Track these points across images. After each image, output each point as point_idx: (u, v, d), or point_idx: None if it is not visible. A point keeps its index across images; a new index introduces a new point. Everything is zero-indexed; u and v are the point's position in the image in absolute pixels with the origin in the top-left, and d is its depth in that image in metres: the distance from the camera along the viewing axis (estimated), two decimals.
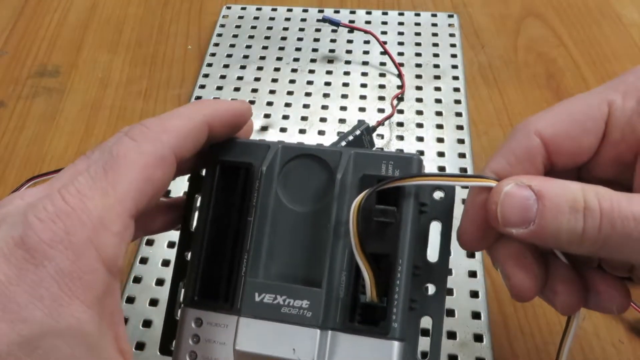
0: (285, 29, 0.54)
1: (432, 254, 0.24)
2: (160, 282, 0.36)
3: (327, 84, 0.49)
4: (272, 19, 0.55)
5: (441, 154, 0.43)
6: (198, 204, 0.25)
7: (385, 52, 0.50)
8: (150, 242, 0.38)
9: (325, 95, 0.48)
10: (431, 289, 0.23)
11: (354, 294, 0.22)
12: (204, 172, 0.25)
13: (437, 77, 0.49)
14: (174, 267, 0.25)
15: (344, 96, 0.48)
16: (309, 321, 0.22)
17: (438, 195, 0.24)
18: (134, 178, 0.20)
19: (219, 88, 0.49)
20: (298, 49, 0.52)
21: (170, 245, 0.38)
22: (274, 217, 0.23)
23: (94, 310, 0.18)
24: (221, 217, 0.24)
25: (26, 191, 0.21)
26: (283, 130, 0.45)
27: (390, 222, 0.22)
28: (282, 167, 0.24)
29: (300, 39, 0.53)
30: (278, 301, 0.22)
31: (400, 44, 0.52)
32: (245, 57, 0.52)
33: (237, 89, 0.49)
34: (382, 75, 0.50)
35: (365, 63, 0.51)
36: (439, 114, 0.46)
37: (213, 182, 0.24)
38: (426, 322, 0.23)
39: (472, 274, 0.36)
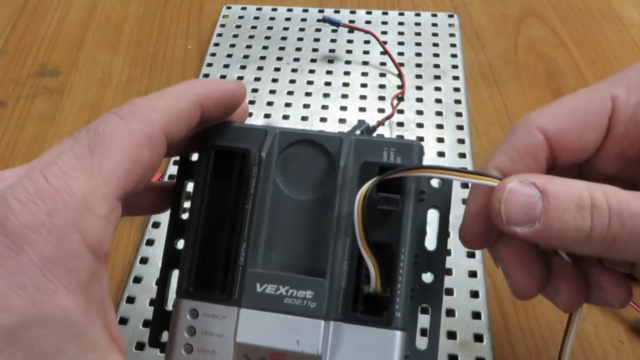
0: (286, 29, 0.54)
1: (428, 241, 0.24)
2: None
3: (327, 83, 0.49)
4: (272, 19, 0.55)
5: (441, 154, 0.43)
6: (187, 189, 0.25)
7: (385, 52, 0.50)
8: (150, 242, 0.38)
9: (326, 95, 0.48)
10: (430, 277, 0.23)
11: (355, 284, 0.22)
12: (193, 156, 0.25)
13: (437, 77, 0.49)
14: (164, 256, 0.24)
15: (344, 96, 0.48)
16: (313, 312, 0.21)
17: (436, 181, 0.23)
18: (122, 158, 0.19)
19: None
20: (298, 49, 0.52)
21: None
22: (272, 205, 0.23)
23: (80, 297, 0.18)
24: (216, 204, 0.23)
25: (5, 172, 0.19)
26: None
27: (392, 210, 0.22)
28: (280, 153, 0.23)
29: (300, 39, 0.53)
30: (281, 292, 0.22)
31: (401, 44, 0.52)
32: (246, 57, 0.52)
33: None
34: (382, 75, 0.50)
35: (365, 63, 0.51)
36: (439, 114, 0.46)
37: (207, 168, 0.23)
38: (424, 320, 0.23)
39: (472, 274, 0.36)
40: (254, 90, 0.49)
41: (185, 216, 0.24)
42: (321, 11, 0.56)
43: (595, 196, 0.19)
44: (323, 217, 0.22)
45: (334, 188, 0.22)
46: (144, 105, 0.20)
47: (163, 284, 0.24)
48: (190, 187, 0.25)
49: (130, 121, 0.20)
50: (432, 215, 0.23)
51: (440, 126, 0.45)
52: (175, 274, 0.24)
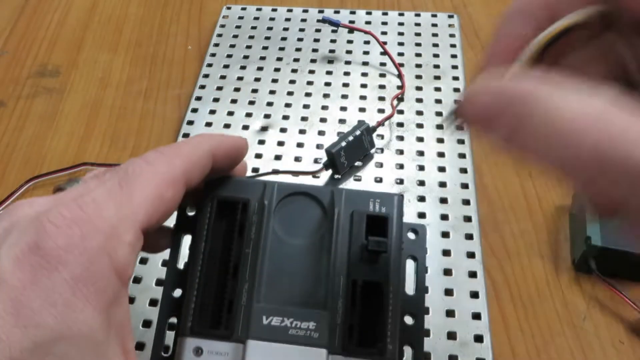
0: (286, 29, 0.54)
1: (408, 287, 0.25)
2: (160, 282, 0.36)
3: (327, 84, 0.49)
4: (272, 19, 0.55)
5: (441, 154, 0.43)
6: (184, 241, 0.26)
7: (385, 53, 0.50)
8: None
9: (325, 96, 0.48)
10: (410, 320, 0.25)
11: (351, 318, 0.23)
12: (189, 211, 0.26)
13: (437, 78, 0.49)
14: (161, 304, 0.25)
15: (344, 96, 0.48)
16: (317, 342, 0.23)
17: (412, 235, 0.26)
18: (148, 194, 0.21)
19: (219, 88, 0.49)
20: (298, 49, 0.52)
21: None
22: (271, 249, 0.25)
23: (104, 317, 0.19)
24: (217, 249, 0.25)
25: (33, 200, 0.21)
26: (283, 130, 0.45)
27: (382, 252, 0.24)
28: (277, 203, 0.25)
29: (300, 39, 0.53)
30: (286, 323, 0.23)
31: (400, 44, 0.52)
32: (246, 57, 0.52)
33: (237, 89, 0.49)
34: (382, 75, 0.50)
35: (365, 63, 0.51)
36: (439, 114, 0.46)
37: (210, 215, 0.25)
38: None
39: (472, 274, 0.36)
40: (254, 91, 0.49)
41: (181, 265, 0.26)
42: (321, 11, 0.56)
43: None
44: (318, 259, 0.25)
45: (329, 233, 0.25)
46: (168, 151, 0.23)
47: (161, 331, 0.25)
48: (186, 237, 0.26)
49: (157, 164, 0.22)
50: (409, 265, 0.25)
51: (440, 126, 0.45)
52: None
